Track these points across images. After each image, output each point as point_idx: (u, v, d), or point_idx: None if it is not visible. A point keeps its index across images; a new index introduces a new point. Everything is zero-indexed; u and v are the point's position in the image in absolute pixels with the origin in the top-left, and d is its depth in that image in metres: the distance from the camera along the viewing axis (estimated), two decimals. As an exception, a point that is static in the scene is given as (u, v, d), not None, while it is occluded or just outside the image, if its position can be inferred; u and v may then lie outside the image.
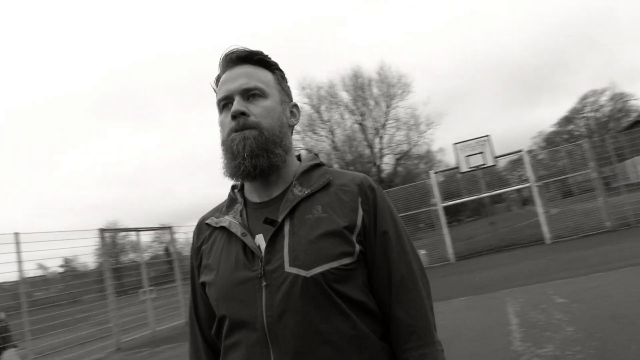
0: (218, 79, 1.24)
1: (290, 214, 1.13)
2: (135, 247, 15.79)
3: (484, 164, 15.09)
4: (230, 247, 1.16)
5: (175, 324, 12.87)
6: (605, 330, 4.65)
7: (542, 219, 14.09)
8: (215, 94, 1.25)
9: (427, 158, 39.95)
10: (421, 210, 15.94)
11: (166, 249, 20.61)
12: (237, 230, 1.16)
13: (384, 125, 37.07)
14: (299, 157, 1.30)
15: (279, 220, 1.12)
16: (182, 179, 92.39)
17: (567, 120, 50.97)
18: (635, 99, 46.52)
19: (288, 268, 1.06)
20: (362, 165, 35.87)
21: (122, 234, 25.05)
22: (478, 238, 20.41)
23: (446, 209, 15.72)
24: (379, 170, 36.65)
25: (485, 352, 4.86)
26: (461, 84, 76.80)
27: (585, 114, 49.72)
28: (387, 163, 37.87)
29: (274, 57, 1.27)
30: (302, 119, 26.37)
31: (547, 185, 15.28)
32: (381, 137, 37.33)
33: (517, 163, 25.82)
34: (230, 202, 1.27)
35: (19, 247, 9.76)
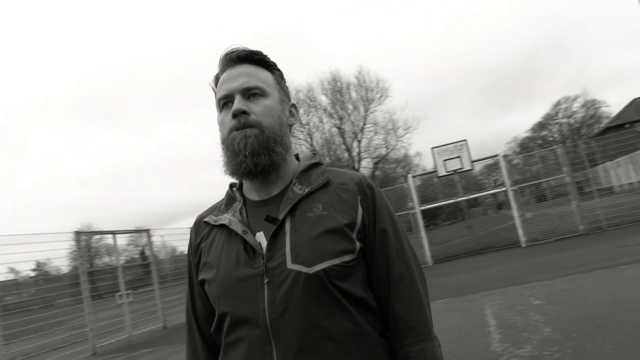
0: (217, 78, 1.25)
1: (291, 211, 1.14)
2: (111, 250, 15.53)
3: (461, 168, 15.28)
4: (231, 244, 1.17)
5: (152, 328, 12.68)
6: (581, 331, 4.77)
7: (518, 222, 14.33)
8: (214, 93, 1.26)
9: (405, 162, 40.44)
10: (399, 213, 15.95)
11: (142, 252, 20.33)
12: (238, 227, 1.17)
13: (362, 129, 37.26)
14: (297, 157, 1.32)
15: (280, 218, 1.13)
16: (159, 183, 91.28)
17: (541, 126, 52.00)
18: (606, 106, 47.95)
19: (290, 265, 1.07)
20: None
21: (98, 236, 24.63)
22: (455, 241, 20.62)
23: (424, 212, 15.88)
24: (357, 174, 36.68)
25: (464, 353, 4.92)
26: (439, 89, 77.78)
27: (558, 120, 50.84)
28: (365, 167, 37.95)
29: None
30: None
31: (522, 189, 15.58)
32: (359, 141, 37.51)
33: (492, 167, 26.19)
34: (229, 200, 1.28)
35: (-11, 251, 9.46)
